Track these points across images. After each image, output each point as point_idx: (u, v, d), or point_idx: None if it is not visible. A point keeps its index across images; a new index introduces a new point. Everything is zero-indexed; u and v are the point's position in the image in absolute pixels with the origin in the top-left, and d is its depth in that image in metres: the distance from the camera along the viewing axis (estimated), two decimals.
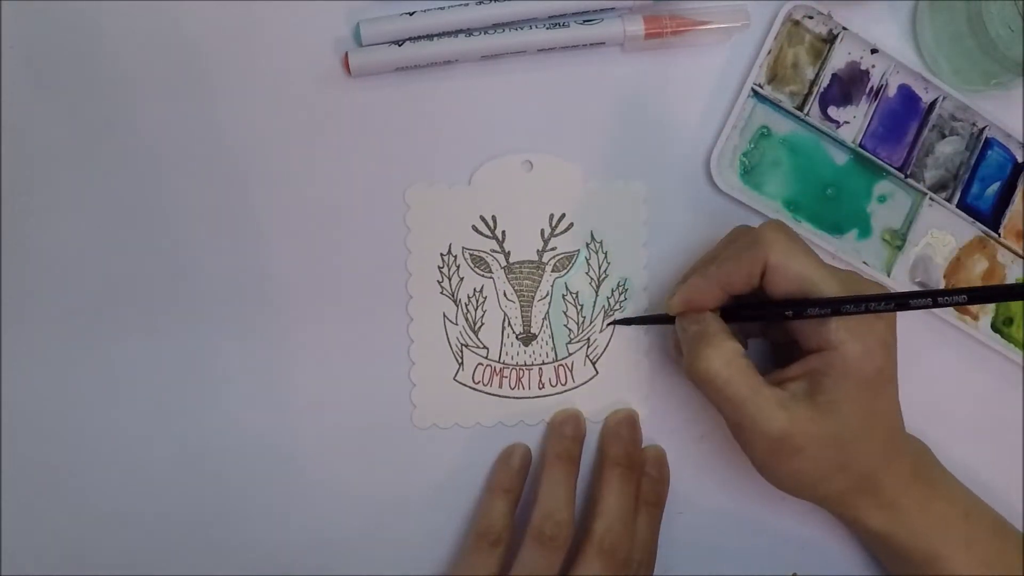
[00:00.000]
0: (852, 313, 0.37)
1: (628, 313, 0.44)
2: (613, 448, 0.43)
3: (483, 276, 0.44)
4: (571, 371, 0.44)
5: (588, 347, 0.44)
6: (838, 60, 0.45)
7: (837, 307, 0.37)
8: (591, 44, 0.43)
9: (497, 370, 0.44)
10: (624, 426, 0.43)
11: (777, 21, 0.44)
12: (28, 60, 0.41)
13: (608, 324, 0.44)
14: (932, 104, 0.46)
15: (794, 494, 0.39)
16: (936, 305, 0.36)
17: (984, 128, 0.46)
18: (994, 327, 0.47)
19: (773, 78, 0.45)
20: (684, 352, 0.39)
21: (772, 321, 0.42)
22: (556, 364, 0.44)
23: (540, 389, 0.44)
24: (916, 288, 0.46)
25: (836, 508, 0.40)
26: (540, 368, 0.44)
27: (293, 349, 0.43)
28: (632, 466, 0.42)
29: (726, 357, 0.37)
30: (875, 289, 0.39)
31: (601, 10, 0.43)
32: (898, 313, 0.37)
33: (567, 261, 0.44)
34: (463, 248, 0.43)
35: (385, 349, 0.43)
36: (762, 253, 0.38)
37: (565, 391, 0.44)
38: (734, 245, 0.40)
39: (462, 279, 0.43)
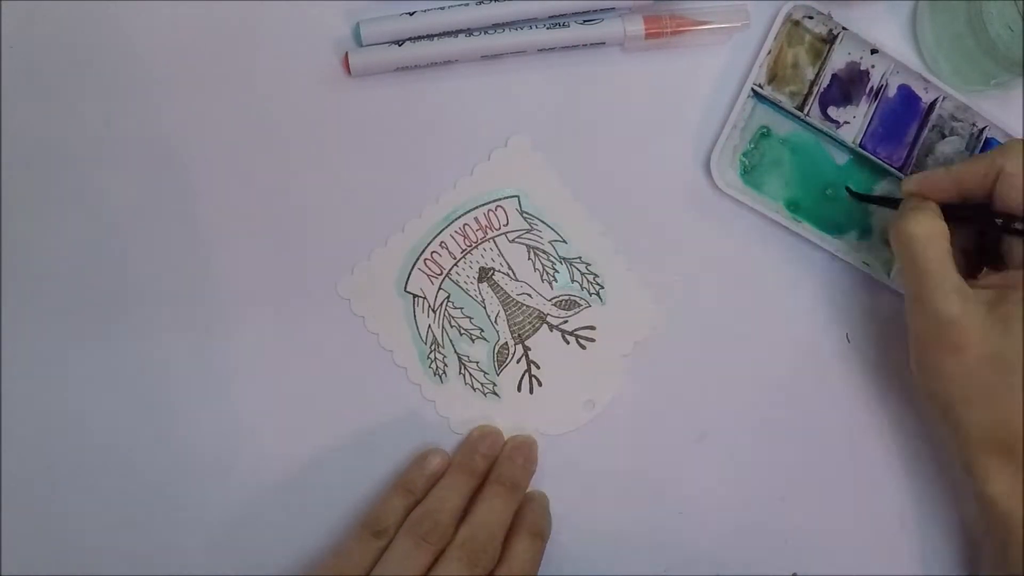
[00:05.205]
0: None
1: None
2: (501, 468, 0.42)
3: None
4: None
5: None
6: (838, 60, 0.45)
7: None
8: (591, 44, 0.43)
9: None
10: (519, 452, 0.43)
11: (777, 21, 0.44)
12: (28, 60, 0.41)
13: (850, 194, 0.45)
14: (932, 104, 0.46)
15: (931, 402, 0.39)
16: None
17: (984, 128, 0.46)
18: None
19: (773, 78, 0.45)
20: (896, 218, 0.40)
21: (986, 231, 0.42)
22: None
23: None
24: None
25: (963, 455, 0.38)
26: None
27: (296, 350, 0.43)
28: (514, 489, 0.42)
29: (935, 229, 0.38)
30: None
31: (601, 10, 0.43)
32: None
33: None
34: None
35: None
36: (1000, 159, 0.39)
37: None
38: (975, 155, 0.43)
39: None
